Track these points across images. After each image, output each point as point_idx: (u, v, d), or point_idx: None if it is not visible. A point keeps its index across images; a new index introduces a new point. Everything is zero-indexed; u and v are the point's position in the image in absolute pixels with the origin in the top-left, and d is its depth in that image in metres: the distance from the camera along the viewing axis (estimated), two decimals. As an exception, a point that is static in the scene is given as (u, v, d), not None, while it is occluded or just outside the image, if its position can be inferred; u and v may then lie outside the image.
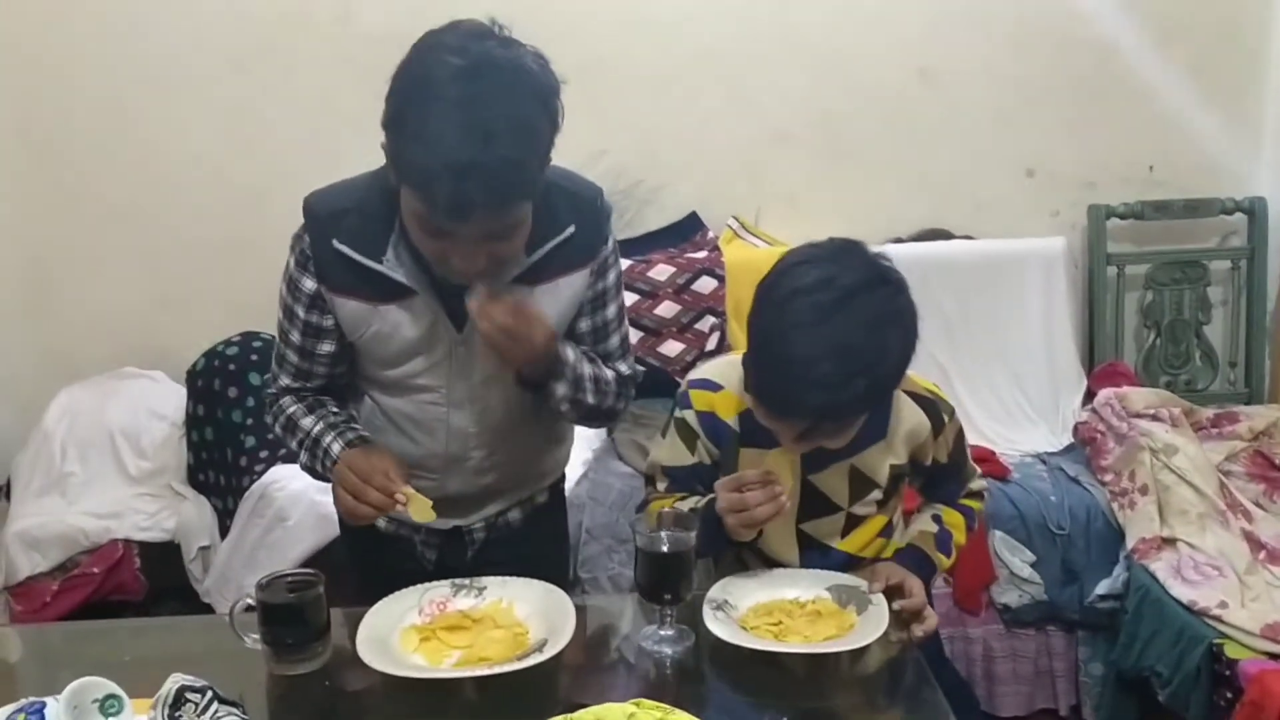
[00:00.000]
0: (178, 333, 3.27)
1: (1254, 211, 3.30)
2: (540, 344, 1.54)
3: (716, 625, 1.50)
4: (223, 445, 3.03)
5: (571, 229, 1.60)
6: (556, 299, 1.63)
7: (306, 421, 1.68)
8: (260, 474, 2.87)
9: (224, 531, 2.94)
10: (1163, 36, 3.25)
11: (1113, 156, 3.36)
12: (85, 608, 2.83)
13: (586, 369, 1.67)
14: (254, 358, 3.07)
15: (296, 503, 2.71)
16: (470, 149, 1.34)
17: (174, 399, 3.20)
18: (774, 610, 1.56)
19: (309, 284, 1.62)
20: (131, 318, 3.34)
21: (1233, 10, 3.27)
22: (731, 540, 1.62)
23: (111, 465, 3.11)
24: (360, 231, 1.56)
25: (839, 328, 1.41)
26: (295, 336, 1.67)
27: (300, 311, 1.64)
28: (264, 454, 2.97)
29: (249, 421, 3.02)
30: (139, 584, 2.92)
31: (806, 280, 1.44)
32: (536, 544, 1.86)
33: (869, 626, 1.50)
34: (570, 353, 1.63)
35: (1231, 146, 3.34)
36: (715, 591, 1.58)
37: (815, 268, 1.46)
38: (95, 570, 2.85)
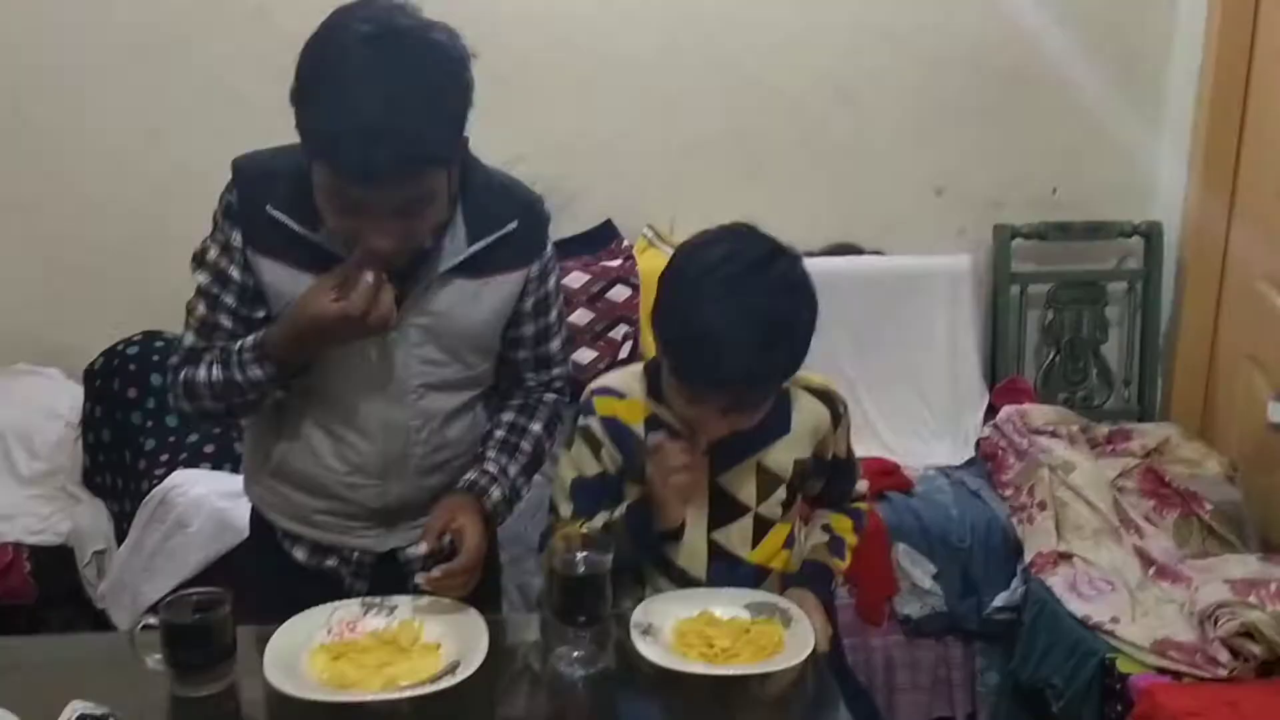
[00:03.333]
0: (74, 330, 3.16)
1: (1150, 235, 3.41)
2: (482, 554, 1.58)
3: (649, 650, 1.50)
4: (121, 447, 2.95)
5: (514, 224, 1.61)
6: (495, 295, 1.64)
7: (208, 356, 1.61)
8: (160, 478, 2.79)
9: (120, 536, 2.85)
10: (1069, 63, 3.33)
11: (1019, 178, 3.45)
12: (-28, 612, 2.73)
13: (513, 471, 1.71)
14: (155, 358, 2.99)
15: (198, 509, 2.64)
16: (375, 114, 1.34)
17: (69, 398, 3.10)
18: (701, 630, 1.56)
19: (237, 237, 1.57)
20: (25, 313, 3.21)
21: (1135, 43, 3.37)
22: (650, 554, 1.66)
23: (2, 466, 2.99)
24: (294, 198, 1.52)
25: (752, 296, 1.47)
26: (230, 299, 1.60)
27: (236, 274, 1.58)
28: (164, 457, 2.89)
29: (149, 424, 2.94)
30: (29, 588, 2.80)
31: (711, 258, 1.50)
32: None
33: (798, 641, 1.52)
34: (498, 491, 1.67)
35: (1131, 172, 3.46)
36: (638, 615, 1.58)
37: (716, 247, 1.52)
38: (-16, 574, 2.75)
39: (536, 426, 1.76)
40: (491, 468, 1.69)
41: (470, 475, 1.67)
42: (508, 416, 1.77)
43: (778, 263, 1.51)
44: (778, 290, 1.49)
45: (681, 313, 1.51)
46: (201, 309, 1.62)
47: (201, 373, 1.60)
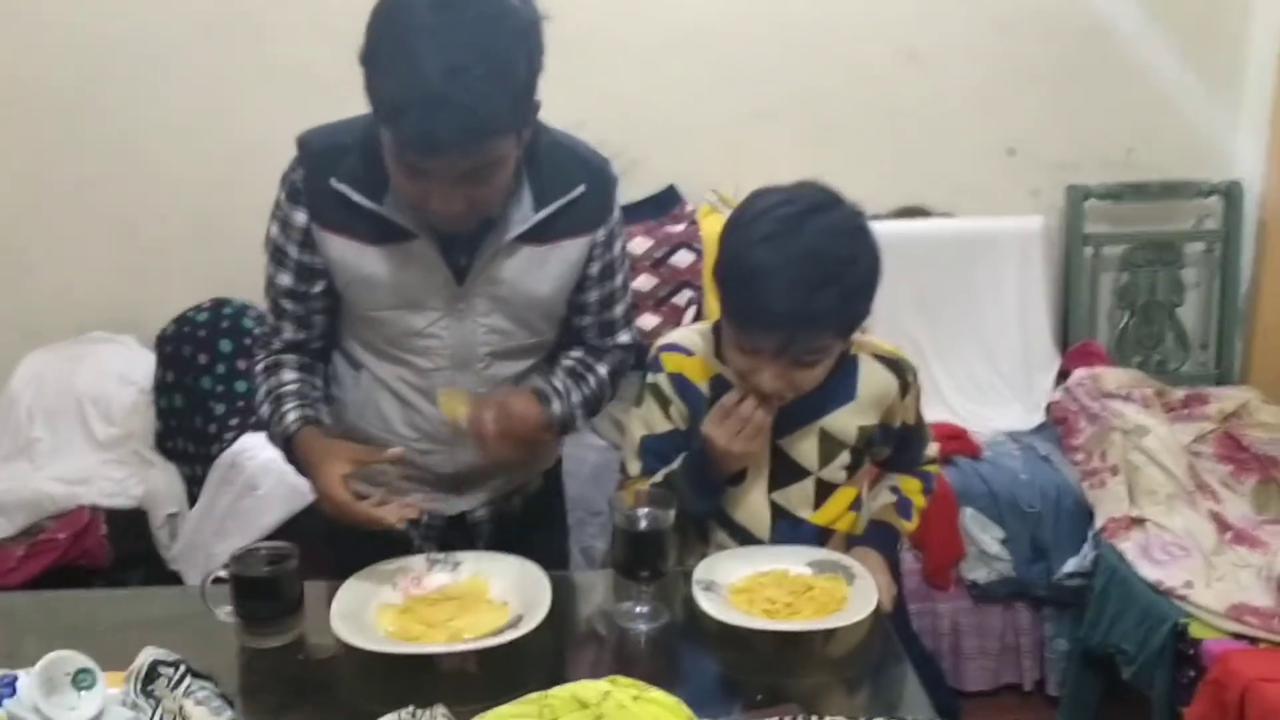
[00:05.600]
0: (147, 298, 3.22)
1: (1230, 195, 3.32)
2: (540, 435, 1.60)
3: (711, 605, 1.49)
4: (192, 412, 3.01)
5: (582, 188, 1.60)
6: (562, 260, 1.63)
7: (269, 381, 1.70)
8: (230, 442, 2.85)
9: (192, 499, 2.92)
10: (1145, 21, 3.25)
11: (1093, 138, 3.36)
12: (51, 574, 2.78)
13: (575, 398, 1.70)
14: (224, 324, 3.04)
15: (267, 472, 2.68)
16: (439, 82, 1.32)
17: (143, 365, 3.15)
18: (764, 584, 1.56)
19: (300, 217, 1.58)
20: (100, 283, 3.28)
21: (1214, -2, 3.28)
22: (710, 503, 1.65)
23: (79, 431, 3.06)
24: (360, 171, 1.53)
25: (805, 236, 1.47)
26: (286, 279, 1.63)
27: (293, 251, 1.61)
28: (233, 422, 2.94)
29: (219, 389, 2.99)
30: (105, 551, 2.88)
31: (769, 202, 1.51)
32: (539, 532, 1.85)
33: (862, 598, 1.51)
34: (558, 407, 1.66)
35: (1210, 131, 3.36)
36: (700, 572, 1.57)
37: (776, 193, 1.53)
38: (61, 536, 2.81)
39: (603, 369, 1.76)
40: (558, 384, 1.69)
41: (538, 383, 1.69)
42: (576, 353, 1.76)
43: (836, 209, 1.51)
44: (832, 232, 1.48)
45: (734, 252, 1.51)
46: (271, 292, 1.67)
47: (259, 392, 1.70)
